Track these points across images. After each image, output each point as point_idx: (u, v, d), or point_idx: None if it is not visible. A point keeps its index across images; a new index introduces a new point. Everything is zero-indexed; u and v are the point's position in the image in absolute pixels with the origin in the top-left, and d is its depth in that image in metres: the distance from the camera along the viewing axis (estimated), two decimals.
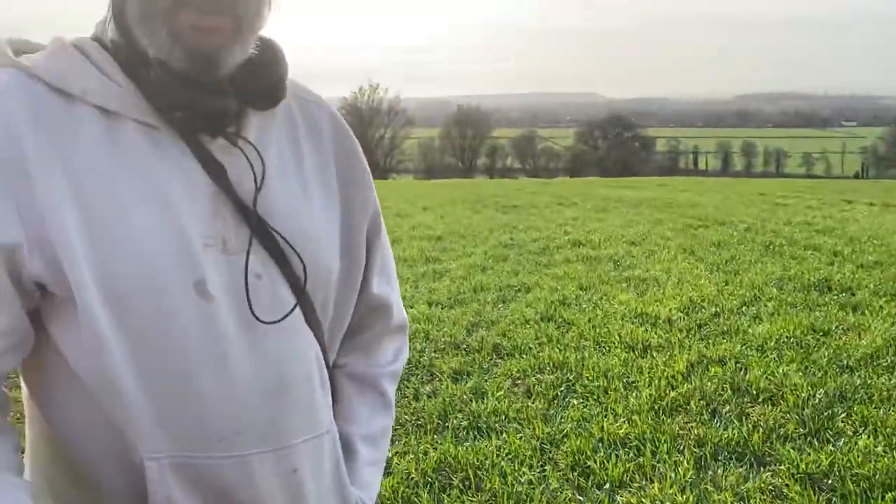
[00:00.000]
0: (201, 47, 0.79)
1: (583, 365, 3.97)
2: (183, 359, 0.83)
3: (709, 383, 3.68)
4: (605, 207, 11.86)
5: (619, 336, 4.47)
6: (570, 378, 3.81)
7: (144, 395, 0.81)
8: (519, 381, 3.81)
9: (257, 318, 0.84)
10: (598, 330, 4.62)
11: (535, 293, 5.65)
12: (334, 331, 1.02)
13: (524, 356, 4.15)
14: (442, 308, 5.30)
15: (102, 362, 0.80)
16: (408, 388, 3.74)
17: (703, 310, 5.05)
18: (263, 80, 0.88)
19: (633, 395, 3.58)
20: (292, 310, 0.88)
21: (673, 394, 3.56)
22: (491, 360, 4.16)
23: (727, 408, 3.42)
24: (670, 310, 5.02)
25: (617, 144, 66.83)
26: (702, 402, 3.48)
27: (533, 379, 3.81)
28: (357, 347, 1.08)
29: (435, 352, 4.29)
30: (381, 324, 1.09)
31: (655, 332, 4.54)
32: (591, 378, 3.79)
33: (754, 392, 3.58)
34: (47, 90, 0.80)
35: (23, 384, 0.92)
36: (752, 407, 3.44)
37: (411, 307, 5.33)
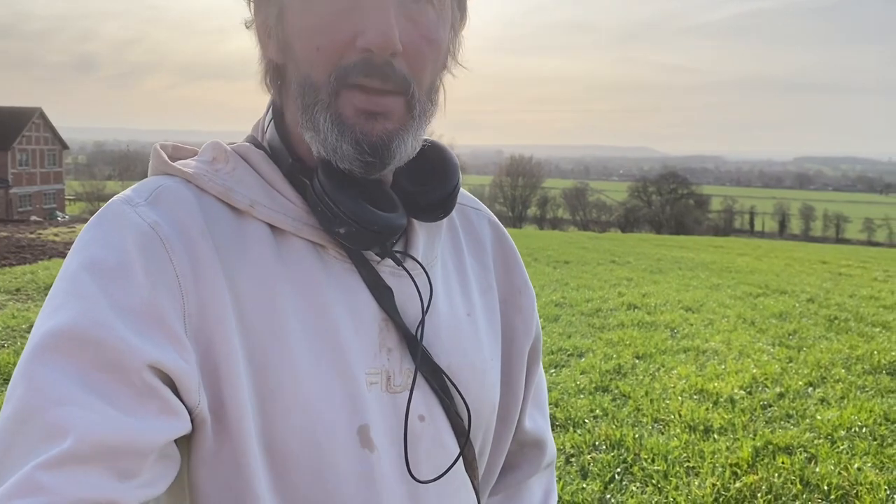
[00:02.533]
0: (370, 135, 0.68)
1: (641, 444, 3.77)
2: None
3: (776, 475, 3.45)
4: (660, 269, 11.61)
5: (679, 414, 4.26)
6: (628, 459, 3.62)
7: None
8: (573, 459, 3.63)
9: (414, 478, 0.73)
10: (656, 405, 4.42)
11: (588, 359, 5.47)
12: (488, 474, 0.89)
13: (578, 430, 3.97)
14: None
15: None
16: None
17: (766, 389, 4.81)
18: (436, 192, 0.77)
19: (696, 482, 3.37)
20: (455, 461, 0.76)
21: (738, 484, 3.34)
22: None
23: None
24: (732, 387, 4.78)
25: (671, 201, 66.09)
26: (769, 495, 3.25)
27: (588, 457, 3.63)
28: (505, 488, 0.94)
29: None
30: (532, 462, 0.95)
31: (717, 412, 4.31)
32: (649, 460, 3.60)
33: (825, 488, 3.34)
34: (215, 201, 0.72)
35: None
36: None
37: None
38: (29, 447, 0.56)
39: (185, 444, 0.69)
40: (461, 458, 0.78)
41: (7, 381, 4.46)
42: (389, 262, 0.75)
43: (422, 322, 0.75)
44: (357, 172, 0.70)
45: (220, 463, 0.68)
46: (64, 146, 47.26)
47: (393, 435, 0.73)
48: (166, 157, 0.74)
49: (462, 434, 0.78)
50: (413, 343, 0.74)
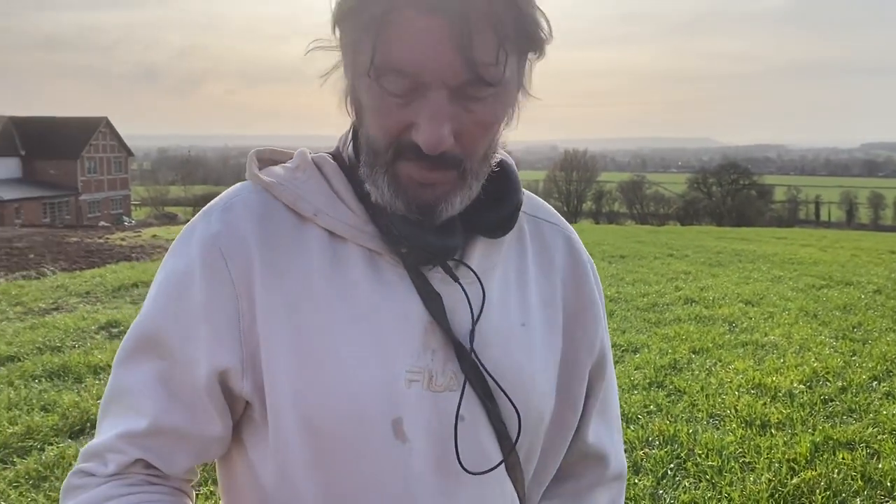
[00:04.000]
0: (420, 199, 0.75)
1: (695, 440, 3.74)
2: (369, 498, 0.78)
3: (836, 471, 3.38)
4: (719, 261, 11.39)
5: (736, 409, 4.20)
6: (682, 454, 3.59)
7: None
8: (626, 454, 3.62)
9: (463, 468, 0.78)
10: (711, 401, 4.36)
11: (643, 355, 5.43)
12: (538, 480, 0.92)
13: (632, 426, 3.95)
14: None
15: (288, 490, 0.79)
16: None
17: (828, 383, 4.69)
18: (495, 213, 0.82)
19: (751, 478, 3.33)
20: (498, 465, 0.81)
21: (795, 480, 3.29)
22: None
23: (857, 501, 3.12)
24: (791, 381, 4.68)
25: (732, 192, 64.51)
26: (828, 492, 3.19)
27: (641, 452, 3.61)
28: (563, 495, 0.97)
29: None
30: (595, 473, 0.98)
31: (775, 407, 4.23)
32: (703, 456, 3.56)
33: (888, 484, 3.25)
34: (282, 207, 0.80)
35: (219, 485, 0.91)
36: (887, 502, 3.12)
37: None
38: (118, 417, 0.81)
39: (240, 426, 0.84)
40: (504, 461, 0.82)
41: (78, 380, 4.68)
42: (441, 269, 0.80)
43: (474, 324, 0.79)
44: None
45: (265, 440, 0.80)
46: (129, 153, 48.87)
47: (430, 430, 0.78)
48: (255, 166, 0.83)
49: (504, 438, 0.82)
50: (459, 347, 0.79)
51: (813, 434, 3.79)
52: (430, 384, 0.78)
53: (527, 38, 0.72)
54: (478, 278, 0.80)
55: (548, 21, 0.73)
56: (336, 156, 0.84)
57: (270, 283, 0.77)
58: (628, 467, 3.45)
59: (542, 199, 0.97)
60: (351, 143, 0.83)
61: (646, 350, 5.58)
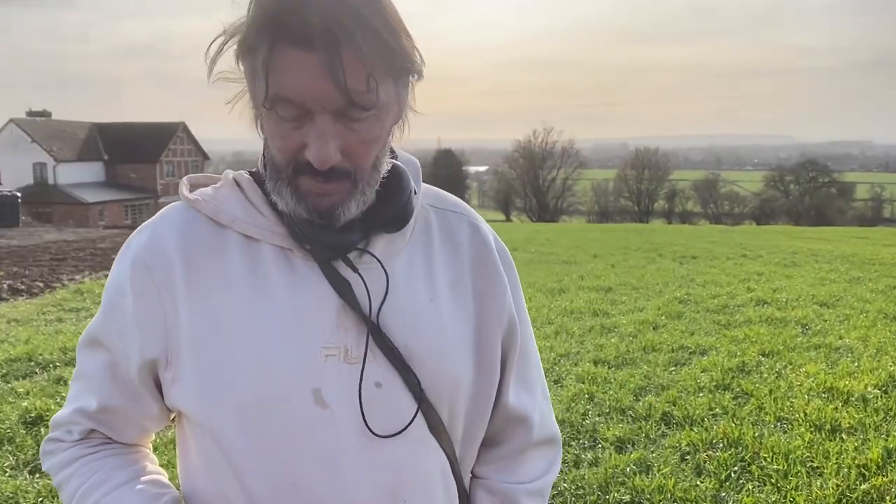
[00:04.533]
0: (319, 206, 0.87)
1: (760, 443, 3.67)
2: (296, 463, 0.88)
3: None
4: (794, 262, 11.05)
5: (805, 413, 4.10)
6: (746, 457, 3.53)
7: (257, 495, 0.89)
8: (688, 457, 3.59)
9: (371, 431, 0.89)
10: (780, 404, 4.27)
11: (711, 357, 5.34)
12: (468, 442, 1.01)
13: (695, 428, 3.91)
14: (608, 368, 5.14)
15: (229, 461, 0.90)
16: (568, 453, 3.64)
17: None
18: (388, 210, 0.93)
19: (818, 483, 3.26)
20: (409, 423, 0.91)
21: (865, 486, 3.20)
22: (659, 429, 3.96)
23: None
24: (866, 386, 4.54)
25: (810, 190, 62.18)
26: None
27: (703, 455, 3.57)
28: (495, 460, 1.07)
29: (599, 416, 4.16)
30: (522, 436, 1.07)
31: (847, 412, 4.11)
32: (769, 459, 3.50)
33: None
34: (205, 219, 0.94)
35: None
36: None
37: (576, 365, 5.22)
38: (77, 393, 1.00)
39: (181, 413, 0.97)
40: (425, 421, 0.93)
41: None
42: (348, 259, 0.92)
43: (381, 304, 0.91)
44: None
45: (198, 424, 0.92)
46: (206, 157, 50.40)
47: (349, 398, 0.89)
48: (185, 188, 0.97)
49: (424, 402, 0.93)
50: (370, 324, 0.91)
51: (886, 440, 3.68)
52: (346, 357, 0.89)
53: (396, 66, 0.83)
54: (380, 263, 0.92)
55: (419, 51, 0.85)
56: (254, 172, 0.98)
57: (192, 285, 0.90)
58: (690, 469, 3.43)
59: (449, 194, 1.08)
60: (262, 161, 0.96)
61: (713, 352, 5.49)
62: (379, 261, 0.92)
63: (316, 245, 0.90)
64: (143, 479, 0.97)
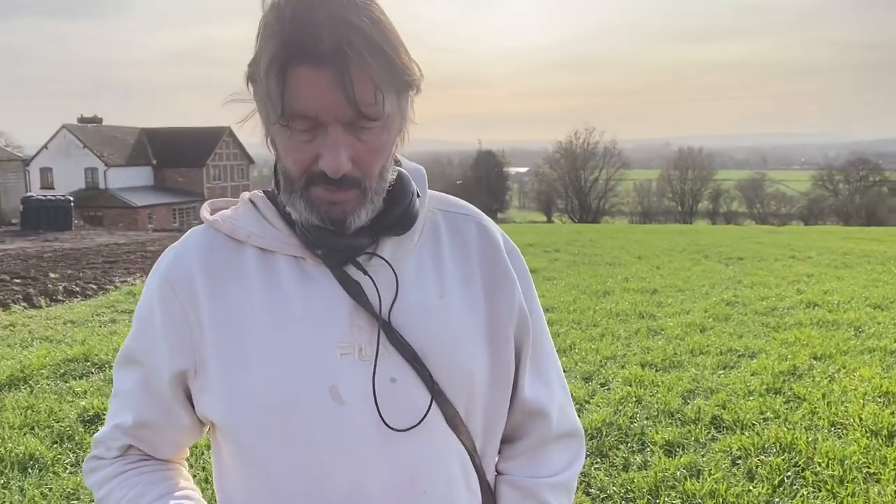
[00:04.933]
0: (331, 215, 0.92)
1: (814, 448, 3.61)
2: (316, 460, 0.92)
3: None
4: (845, 263, 10.81)
5: (860, 418, 4.01)
6: (799, 462, 3.47)
7: (283, 494, 0.94)
8: (740, 461, 3.54)
9: (386, 425, 0.92)
10: (833, 408, 4.19)
11: (760, 360, 5.26)
12: (488, 435, 1.04)
13: (746, 432, 3.86)
14: (656, 371, 5.09)
15: (248, 463, 0.96)
16: (616, 456, 3.62)
17: None
18: (393, 214, 0.97)
19: (875, 489, 3.19)
20: (424, 415, 0.93)
21: None
22: (708, 433, 3.91)
23: None
24: None
25: (861, 189, 60.60)
26: None
27: (756, 460, 3.52)
28: (517, 454, 1.09)
29: (647, 419, 4.13)
30: (541, 430, 1.09)
31: None
32: (823, 464, 3.43)
33: None
34: (224, 237, 1.01)
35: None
36: None
37: (622, 367, 5.19)
38: (115, 411, 1.06)
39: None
40: (442, 415, 0.96)
41: None
42: (357, 262, 0.97)
43: (392, 303, 0.96)
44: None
45: (222, 425, 0.97)
46: (251, 161, 51.22)
47: (365, 393, 0.92)
48: (206, 211, 1.05)
49: (440, 395, 0.96)
50: (383, 322, 0.95)
51: None
52: (360, 355, 0.94)
53: (399, 81, 0.89)
54: (389, 264, 0.97)
55: (418, 65, 0.91)
56: (268, 191, 1.04)
57: (214, 300, 0.96)
58: (742, 474, 3.38)
59: (456, 198, 1.13)
60: (274, 179, 1.02)
61: (763, 355, 5.40)
62: (388, 262, 0.97)
63: (327, 250, 0.94)
64: (177, 493, 1.03)
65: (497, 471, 1.08)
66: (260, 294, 0.96)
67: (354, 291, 0.95)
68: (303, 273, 0.97)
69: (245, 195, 1.06)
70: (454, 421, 0.98)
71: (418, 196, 1.01)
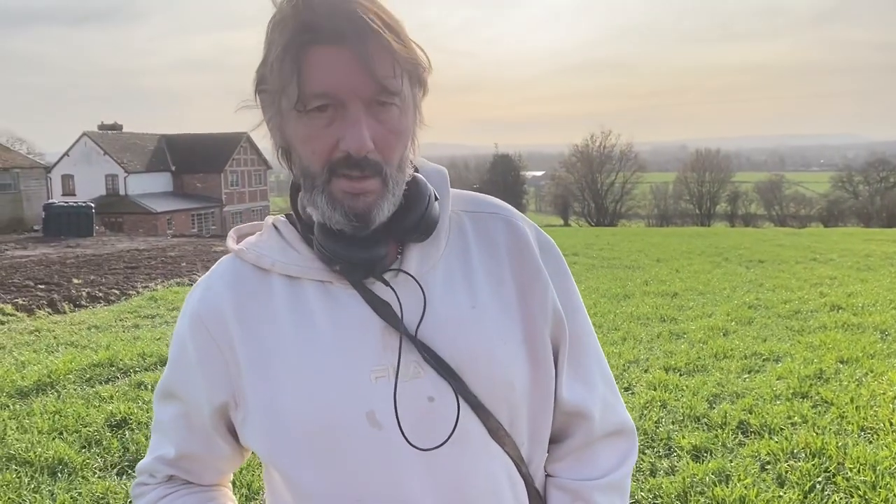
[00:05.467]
0: (354, 208, 0.90)
1: (845, 453, 3.56)
2: (359, 484, 0.92)
3: None
4: (868, 265, 10.69)
5: (891, 422, 3.96)
6: (830, 468, 3.43)
7: None
8: (769, 466, 3.51)
9: (411, 444, 0.90)
10: (863, 413, 4.14)
11: (785, 364, 5.21)
12: (535, 441, 1.02)
13: (774, 437, 3.82)
14: (680, 375, 5.06)
15: (300, 490, 0.95)
16: (643, 461, 3.60)
17: None
18: (410, 219, 0.95)
19: None
20: (452, 432, 0.92)
21: None
22: (735, 438, 3.88)
23: None
24: None
25: (881, 190, 59.88)
26: None
27: (785, 465, 3.49)
28: (563, 456, 1.06)
29: (673, 423, 4.10)
30: (584, 431, 1.05)
31: None
32: (854, 470, 3.39)
33: None
34: (250, 267, 1.00)
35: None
36: None
37: (646, 371, 5.16)
38: (157, 443, 1.08)
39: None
40: (484, 427, 0.95)
41: None
42: (380, 282, 0.96)
43: (412, 323, 0.94)
44: (348, 232, 0.92)
45: (264, 457, 0.98)
46: (268, 166, 51.40)
47: (403, 415, 0.91)
48: (232, 241, 1.05)
49: (480, 409, 0.94)
50: (413, 340, 0.93)
51: None
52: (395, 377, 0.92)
53: (411, 65, 0.89)
54: (416, 281, 0.95)
55: (426, 55, 0.91)
56: (289, 215, 1.03)
57: (246, 333, 0.96)
58: (772, 480, 3.35)
59: (484, 195, 1.10)
60: (290, 198, 1.02)
61: (788, 359, 5.36)
62: (414, 278, 0.95)
63: (345, 264, 0.93)
64: None
65: (546, 472, 1.07)
66: (290, 325, 0.95)
67: (384, 312, 0.94)
68: (330, 298, 0.96)
69: (269, 220, 1.05)
70: (498, 433, 0.96)
71: (437, 199, 0.99)
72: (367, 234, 0.93)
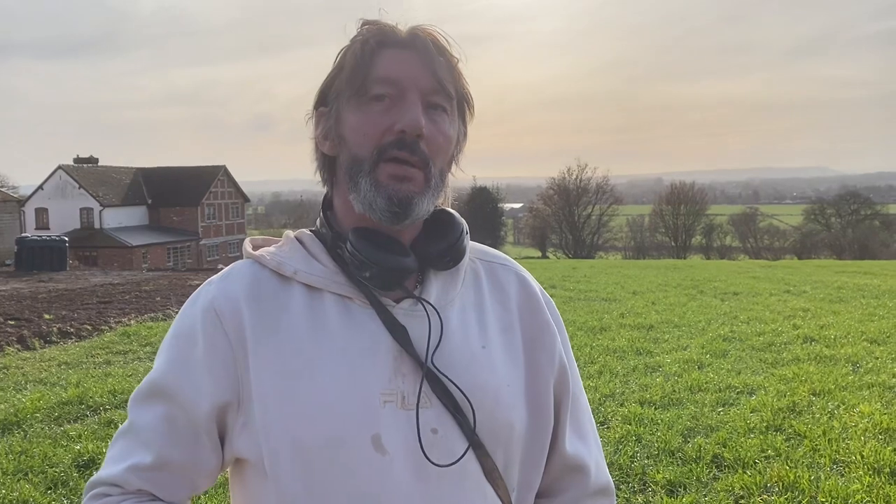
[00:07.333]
0: (399, 193, 0.93)
1: (817, 487, 3.58)
2: None
3: None
4: (840, 297, 10.83)
5: (861, 455, 3.99)
6: (803, 501, 3.44)
7: None
8: (742, 501, 3.51)
9: (430, 460, 0.90)
10: (835, 446, 4.17)
11: (759, 397, 5.24)
12: (524, 490, 1.02)
13: (748, 471, 3.83)
14: (655, 408, 5.07)
15: (282, 501, 0.92)
16: (619, 497, 3.58)
17: None
18: (440, 243, 0.99)
19: None
20: (464, 454, 0.92)
21: None
22: (710, 472, 3.88)
23: None
24: None
25: (853, 223, 60.94)
26: None
27: (759, 499, 3.49)
28: None
29: (647, 458, 4.09)
30: (579, 486, 1.07)
31: None
32: (827, 503, 3.40)
33: None
34: (270, 273, 0.99)
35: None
36: None
37: (621, 405, 5.16)
38: (128, 450, 0.97)
39: (241, 462, 0.98)
40: (480, 467, 0.95)
41: None
42: (404, 305, 0.96)
43: (434, 349, 0.94)
44: (385, 222, 0.95)
45: (261, 472, 0.93)
46: (245, 199, 51.34)
47: (406, 443, 0.91)
48: (249, 247, 1.04)
49: (480, 448, 0.94)
50: (424, 370, 0.93)
51: None
52: (402, 403, 0.92)
53: (463, 91, 1.00)
54: (436, 310, 0.96)
55: (472, 100, 1.02)
56: (314, 230, 1.05)
57: (259, 334, 0.94)
58: None
59: (493, 248, 1.15)
60: (321, 217, 1.04)
61: (762, 392, 5.39)
62: (433, 306, 0.96)
63: (376, 270, 0.94)
64: None
65: None
66: (306, 333, 0.94)
67: (400, 336, 0.94)
68: (348, 313, 0.96)
69: (289, 233, 1.05)
70: (493, 474, 0.97)
71: (466, 233, 1.03)
72: (397, 244, 0.96)
